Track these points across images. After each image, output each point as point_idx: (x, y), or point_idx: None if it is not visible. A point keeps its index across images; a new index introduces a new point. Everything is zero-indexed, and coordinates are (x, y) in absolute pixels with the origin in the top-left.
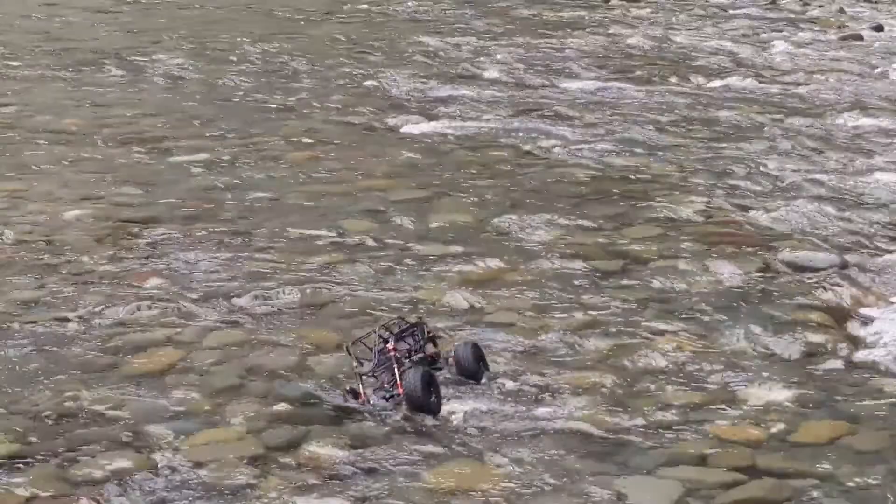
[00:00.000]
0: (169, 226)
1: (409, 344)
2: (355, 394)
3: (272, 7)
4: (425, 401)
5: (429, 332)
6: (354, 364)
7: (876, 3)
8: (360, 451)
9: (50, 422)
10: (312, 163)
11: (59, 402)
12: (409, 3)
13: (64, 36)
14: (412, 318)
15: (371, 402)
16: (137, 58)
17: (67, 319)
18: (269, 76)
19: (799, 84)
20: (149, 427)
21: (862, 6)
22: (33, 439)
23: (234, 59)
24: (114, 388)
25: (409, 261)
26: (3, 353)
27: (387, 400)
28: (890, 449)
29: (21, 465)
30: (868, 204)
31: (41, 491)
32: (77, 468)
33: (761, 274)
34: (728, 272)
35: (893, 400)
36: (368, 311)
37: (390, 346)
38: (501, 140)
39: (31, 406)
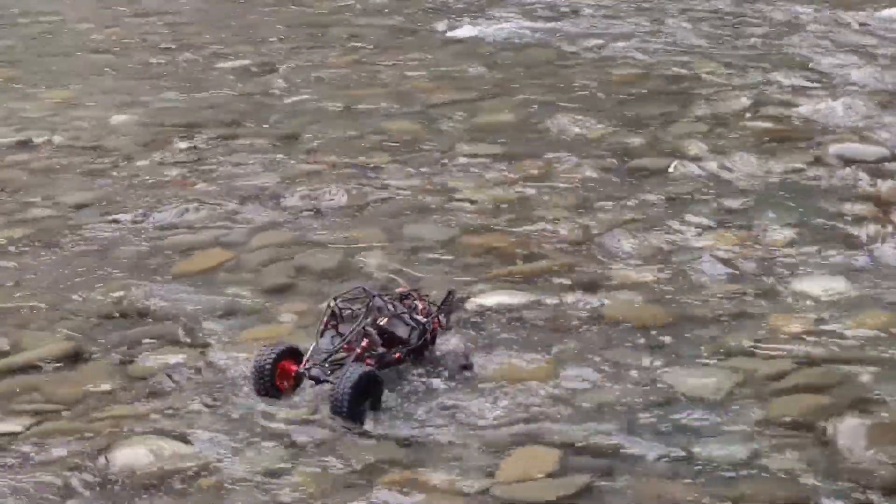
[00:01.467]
0: (214, 130)
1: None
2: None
3: None
4: (348, 409)
5: (423, 303)
6: (321, 325)
7: None
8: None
9: (104, 319)
10: (356, 66)
11: (112, 301)
12: None
13: None
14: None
15: (307, 372)
16: None
17: (118, 221)
18: None
19: None
20: (201, 324)
21: None
22: (89, 336)
23: None
24: (165, 287)
25: (453, 161)
26: (57, 254)
27: (317, 381)
28: None
29: (78, 361)
30: None
31: (98, 385)
32: (132, 364)
33: (810, 167)
34: (777, 166)
35: None
36: (413, 209)
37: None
38: (545, 41)
39: (85, 305)
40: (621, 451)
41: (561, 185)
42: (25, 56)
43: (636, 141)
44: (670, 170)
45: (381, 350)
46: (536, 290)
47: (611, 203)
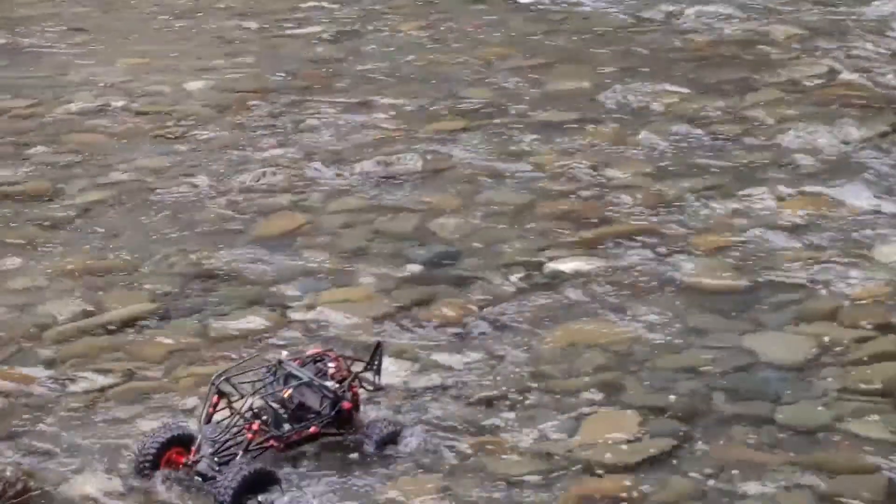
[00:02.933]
0: (288, 95)
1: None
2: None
3: None
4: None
5: (336, 364)
6: (207, 407)
7: None
8: (487, 308)
9: (186, 281)
10: (428, 32)
11: (193, 263)
12: None
13: None
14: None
15: (193, 468)
16: None
17: (195, 185)
18: None
19: None
20: (280, 286)
21: None
22: (172, 297)
23: None
24: (245, 250)
25: (527, 127)
26: (138, 217)
27: (204, 479)
28: None
29: (162, 320)
30: None
31: (181, 343)
32: (214, 323)
33: (890, 134)
34: (856, 133)
35: None
36: (486, 175)
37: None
38: (617, 7)
39: (168, 267)
40: (701, 414)
41: (635, 151)
42: (102, 22)
43: (711, 108)
44: (745, 136)
45: (286, 428)
46: (612, 255)
47: (686, 169)
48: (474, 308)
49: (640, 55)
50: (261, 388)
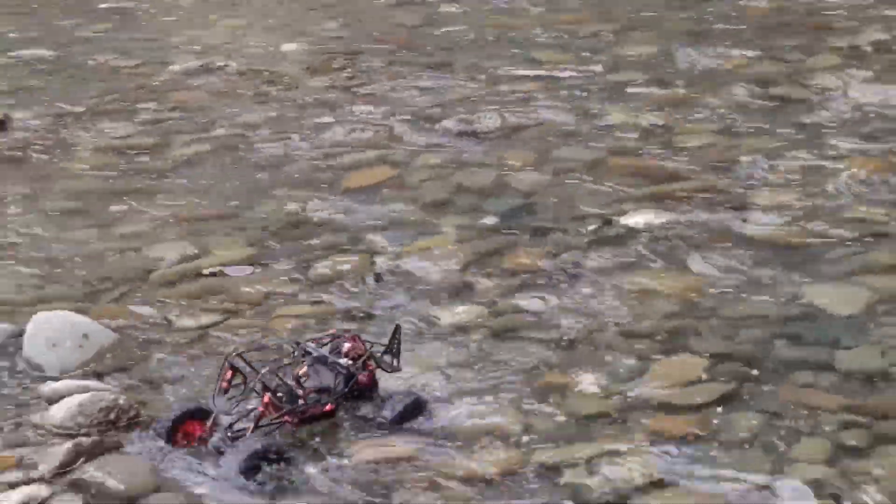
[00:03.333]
0: (375, 57)
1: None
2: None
3: None
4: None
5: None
6: (220, 382)
7: None
8: (561, 257)
9: (281, 228)
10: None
11: (287, 212)
12: None
13: None
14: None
15: (208, 443)
16: None
17: (290, 139)
18: None
19: None
20: (369, 235)
21: None
22: (267, 245)
23: None
24: (336, 200)
25: (599, 87)
26: (237, 169)
27: (219, 453)
28: None
29: (257, 266)
30: None
31: (277, 286)
32: (307, 269)
33: None
34: None
35: None
36: (562, 133)
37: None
38: None
39: (263, 216)
40: (763, 360)
41: (703, 111)
42: None
43: (776, 70)
44: (810, 97)
45: (300, 403)
46: (679, 210)
47: (753, 128)
48: (549, 257)
49: (707, 20)
50: (277, 366)
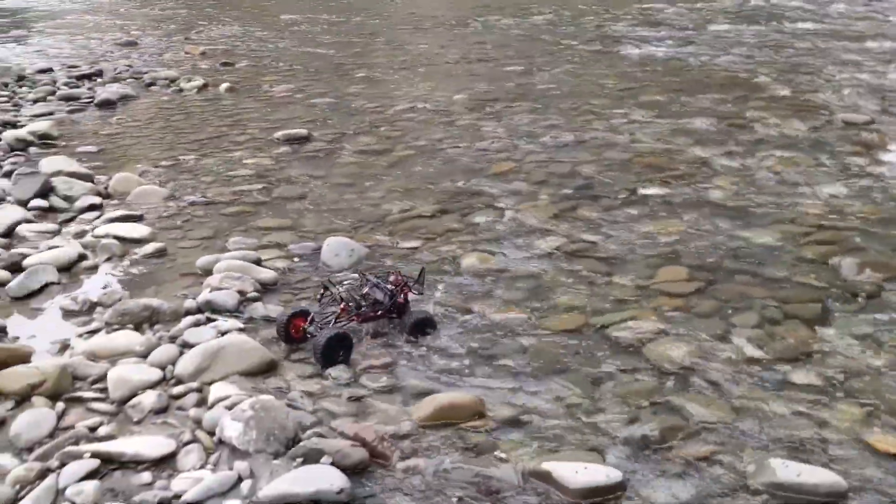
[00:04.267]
0: (504, 102)
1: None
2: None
3: None
4: (320, 359)
5: (395, 276)
6: (319, 295)
7: None
8: (606, 213)
9: (454, 195)
10: (575, 71)
11: (457, 187)
12: None
13: None
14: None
15: (307, 329)
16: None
17: (459, 147)
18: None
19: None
20: (500, 199)
21: None
22: (447, 203)
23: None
24: (483, 180)
25: (630, 120)
26: (429, 164)
27: (312, 336)
28: None
29: (440, 215)
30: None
31: (452, 226)
32: (465, 217)
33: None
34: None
35: None
36: (608, 145)
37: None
38: (676, 58)
39: (443, 188)
40: (719, 269)
41: (691, 128)
42: (413, 65)
43: (724, 108)
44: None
45: (363, 309)
46: (674, 186)
47: (715, 141)
48: (599, 213)
49: (688, 82)
50: (351, 288)
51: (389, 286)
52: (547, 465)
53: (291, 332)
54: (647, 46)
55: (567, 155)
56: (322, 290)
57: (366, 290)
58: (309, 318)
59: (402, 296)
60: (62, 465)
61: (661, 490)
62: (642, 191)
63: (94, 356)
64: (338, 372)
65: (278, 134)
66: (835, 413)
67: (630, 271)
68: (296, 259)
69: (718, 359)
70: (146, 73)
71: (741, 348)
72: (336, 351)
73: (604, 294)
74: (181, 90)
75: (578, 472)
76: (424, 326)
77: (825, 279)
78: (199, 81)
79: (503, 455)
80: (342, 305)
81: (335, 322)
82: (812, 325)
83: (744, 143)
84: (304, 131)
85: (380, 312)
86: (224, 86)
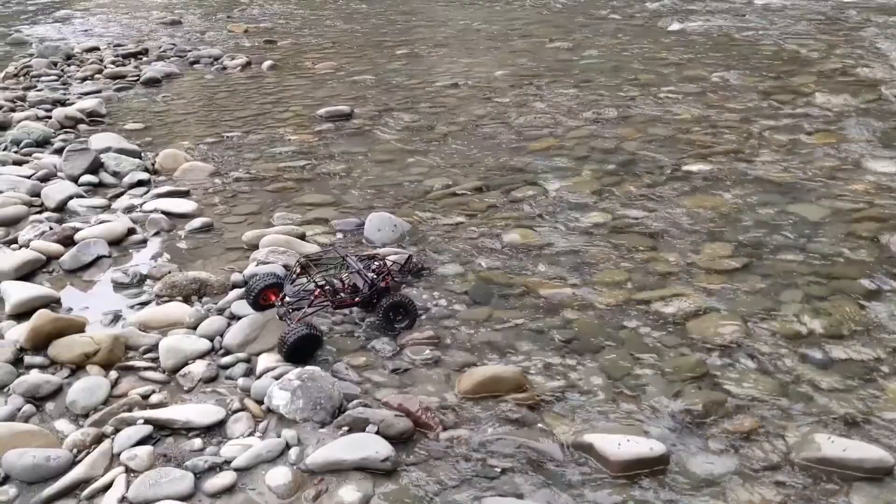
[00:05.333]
0: (546, 78)
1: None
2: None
3: None
4: (286, 355)
5: (378, 263)
6: (292, 273)
7: None
8: (650, 189)
9: (502, 170)
10: (618, 46)
11: (502, 162)
12: None
13: None
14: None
15: (279, 306)
16: None
17: (502, 123)
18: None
19: None
20: (545, 175)
21: None
22: (489, 179)
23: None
24: (525, 156)
25: (672, 96)
26: (472, 140)
27: (281, 319)
28: None
29: (483, 191)
30: None
31: (494, 202)
32: (508, 193)
33: (872, 101)
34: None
35: None
36: (653, 119)
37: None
38: (723, 31)
39: (485, 164)
40: (764, 245)
41: (731, 106)
42: (454, 42)
43: (772, 83)
44: None
45: (341, 296)
46: (717, 162)
47: (761, 116)
48: (643, 189)
49: (737, 57)
50: (327, 271)
51: (371, 274)
52: (589, 438)
53: (260, 302)
54: (691, 20)
55: (610, 130)
56: (298, 269)
57: (344, 275)
58: (280, 297)
59: (383, 283)
60: (116, 430)
61: (703, 464)
62: (687, 166)
63: (145, 327)
64: (382, 345)
65: (321, 111)
66: (882, 389)
67: (674, 247)
68: (339, 234)
69: (763, 335)
70: (190, 51)
71: (787, 324)
72: (304, 352)
73: (647, 269)
74: (224, 68)
75: (621, 445)
76: (396, 311)
77: (874, 256)
78: (242, 59)
79: (546, 427)
80: (317, 291)
81: (310, 304)
82: (860, 301)
83: (791, 117)
84: (346, 108)
85: (356, 300)
86: (267, 63)
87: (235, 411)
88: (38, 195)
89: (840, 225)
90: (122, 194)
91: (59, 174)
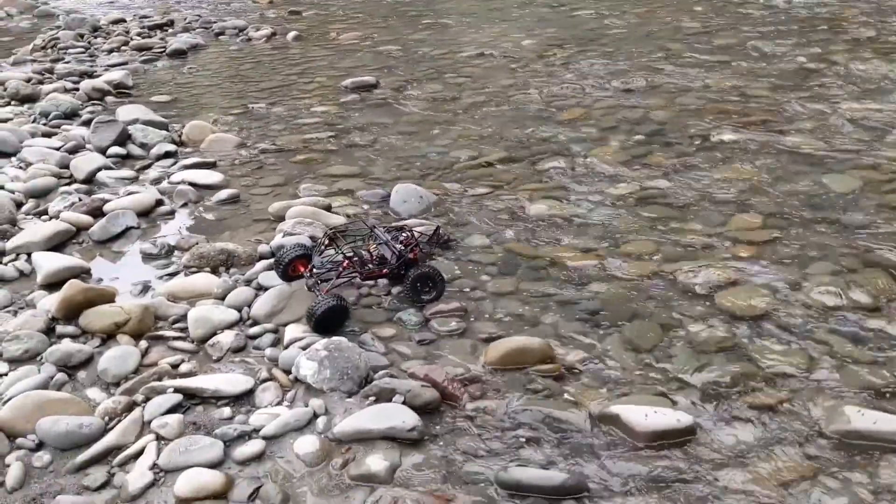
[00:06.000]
0: (573, 47)
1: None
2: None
3: None
4: (314, 327)
5: (407, 234)
6: (320, 245)
7: None
8: (678, 159)
9: (527, 142)
10: (647, 13)
11: (526, 134)
12: None
13: None
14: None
15: (308, 277)
16: None
17: (529, 94)
18: None
19: None
20: (571, 145)
21: None
22: (514, 150)
23: None
24: (552, 127)
25: (699, 62)
26: (499, 110)
27: (310, 290)
28: None
29: (509, 162)
30: None
31: (519, 174)
32: (535, 164)
33: None
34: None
35: None
36: (682, 90)
37: (346, 253)
38: None
39: (512, 135)
40: (795, 217)
41: (767, 72)
42: (480, 11)
43: (807, 51)
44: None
45: (369, 267)
46: (745, 132)
47: (793, 85)
48: (671, 159)
49: (762, 24)
50: (356, 242)
51: (399, 245)
52: (615, 409)
53: (290, 273)
54: None
55: (638, 100)
56: (326, 241)
57: (373, 246)
58: (309, 268)
59: (411, 254)
60: (147, 399)
61: (731, 436)
62: (716, 136)
63: (173, 297)
64: (408, 316)
65: (346, 82)
66: None
67: (702, 218)
68: (365, 206)
69: (792, 307)
70: (215, 22)
71: (817, 297)
72: (332, 323)
73: (675, 241)
74: (250, 39)
75: (648, 416)
76: (424, 283)
77: None
78: (267, 30)
79: (572, 398)
80: (345, 262)
81: (338, 276)
82: (892, 273)
83: (823, 86)
84: (371, 79)
85: (384, 271)
86: (292, 34)
87: (263, 381)
88: (67, 167)
89: (872, 196)
90: (149, 166)
91: (87, 146)
